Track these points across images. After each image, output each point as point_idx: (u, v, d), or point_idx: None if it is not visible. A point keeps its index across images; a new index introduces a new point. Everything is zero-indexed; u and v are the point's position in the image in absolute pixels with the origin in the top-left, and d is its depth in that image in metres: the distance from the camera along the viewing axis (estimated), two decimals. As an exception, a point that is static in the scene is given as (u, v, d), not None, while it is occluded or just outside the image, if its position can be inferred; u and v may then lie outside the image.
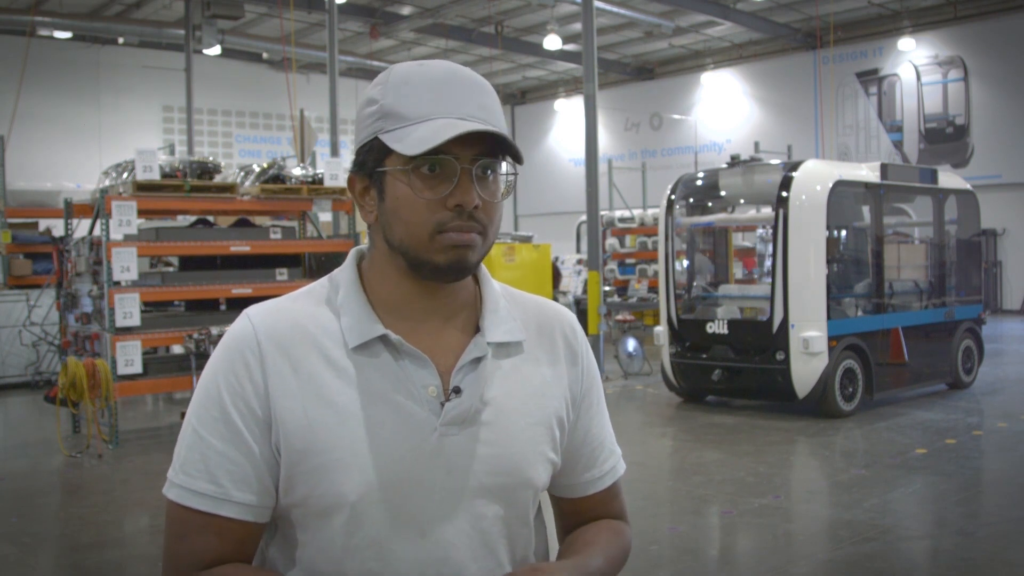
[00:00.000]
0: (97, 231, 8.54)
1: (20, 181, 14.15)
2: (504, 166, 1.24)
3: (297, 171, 9.66)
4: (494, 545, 1.26)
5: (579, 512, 1.43)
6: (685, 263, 10.65)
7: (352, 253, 1.32)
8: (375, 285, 1.27)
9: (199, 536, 1.18)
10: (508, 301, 1.35)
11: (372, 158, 1.23)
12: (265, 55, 24.39)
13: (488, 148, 1.20)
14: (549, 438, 1.31)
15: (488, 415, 1.25)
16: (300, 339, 1.22)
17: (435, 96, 1.19)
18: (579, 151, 16.73)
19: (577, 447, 1.38)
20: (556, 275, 17.70)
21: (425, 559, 1.20)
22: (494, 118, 1.22)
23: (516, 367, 1.30)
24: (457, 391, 1.23)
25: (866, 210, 9.91)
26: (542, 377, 1.33)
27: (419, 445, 1.21)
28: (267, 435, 1.20)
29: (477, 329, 1.29)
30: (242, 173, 9.49)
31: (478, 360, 1.26)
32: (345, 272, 1.29)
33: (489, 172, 1.21)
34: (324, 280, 1.31)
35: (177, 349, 9.58)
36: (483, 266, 1.34)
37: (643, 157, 24.34)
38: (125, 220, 8.03)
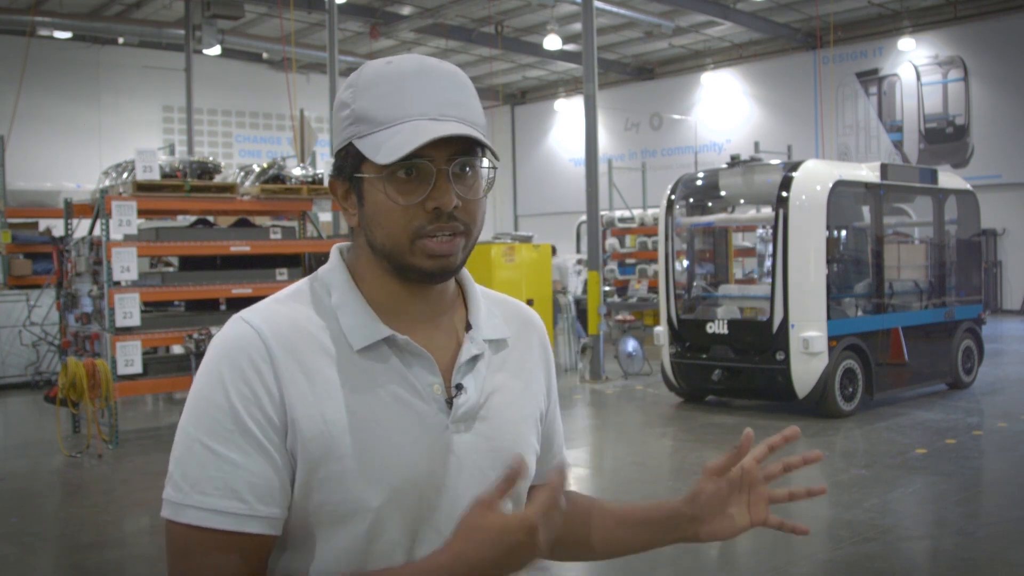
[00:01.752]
0: (97, 231, 8.54)
1: (20, 181, 14.15)
2: (484, 160, 1.22)
3: (297, 171, 9.66)
4: None
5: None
6: (685, 263, 10.66)
7: (335, 253, 1.29)
8: (367, 286, 1.26)
9: (218, 557, 1.12)
10: (487, 300, 1.37)
11: (349, 163, 1.21)
12: (265, 55, 24.38)
13: (464, 145, 1.18)
14: (536, 430, 1.36)
15: (488, 410, 1.27)
16: (305, 341, 1.19)
17: (404, 97, 1.17)
18: (579, 151, 16.72)
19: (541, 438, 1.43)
20: (556, 275, 17.68)
21: None
22: (469, 112, 1.19)
23: (505, 362, 1.33)
24: (460, 388, 1.24)
25: (866, 210, 9.91)
26: (527, 372, 1.36)
27: (433, 445, 1.21)
28: (284, 442, 1.15)
29: (467, 327, 1.30)
30: (242, 173, 9.49)
31: (475, 357, 1.28)
32: (336, 273, 1.26)
33: (467, 169, 1.19)
34: (309, 279, 1.28)
35: (177, 349, 9.58)
36: (463, 268, 1.33)
37: (643, 157, 24.34)
38: (125, 220, 8.03)
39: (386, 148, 1.14)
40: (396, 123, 1.15)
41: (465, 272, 1.34)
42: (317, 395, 1.16)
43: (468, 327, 1.30)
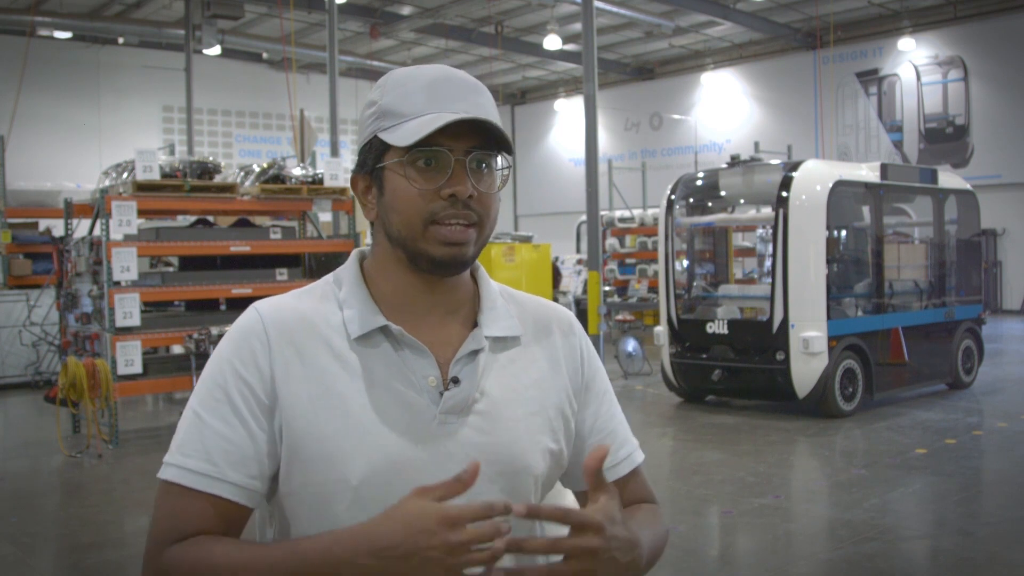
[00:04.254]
0: (97, 231, 8.54)
1: (20, 181, 14.15)
2: (499, 160, 1.28)
3: (297, 171, 9.66)
4: None
5: None
6: (685, 263, 10.66)
7: (354, 253, 1.37)
8: (378, 281, 1.32)
9: (188, 514, 1.19)
10: (506, 299, 1.39)
11: (372, 156, 1.28)
12: (265, 55, 24.39)
13: (482, 142, 1.24)
14: (548, 428, 1.34)
15: (485, 405, 1.28)
16: (306, 330, 1.26)
17: (429, 94, 1.25)
18: (579, 151, 16.72)
19: (584, 438, 1.41)
20: (556, 275, 17.70)
21: None
22: (488, 115, 1.26)
23: (512, 360, 1.34)
24: (456, 381, 1.27)
25: (866, 210, 9.91)
26: (539, 370, 1.36)
27: (419, 433, 1.24)
28: (270, 420, 1.23)
29: (475, 324, 1.33)
30: (242, 173, 9.49)
31: (475, 352, 1.30)
32: (348, 269, 1.34)
33: (484, 166, 1.26)
34: (328, 277, 1.35)
35: (177, 349, 9.58)
36: (481, 266, 1.39)
37: (643, 157, 24.34)
38: (125, 220, 8.03)
39: (407, 132, 1.22)
40: (418, 115, 1.23)
41: (482, 270, 1.39)
42: (308, 378, 1.23)
43: (476, 324, 1.33)
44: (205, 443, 1.20)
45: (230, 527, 1.22)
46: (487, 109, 1.27)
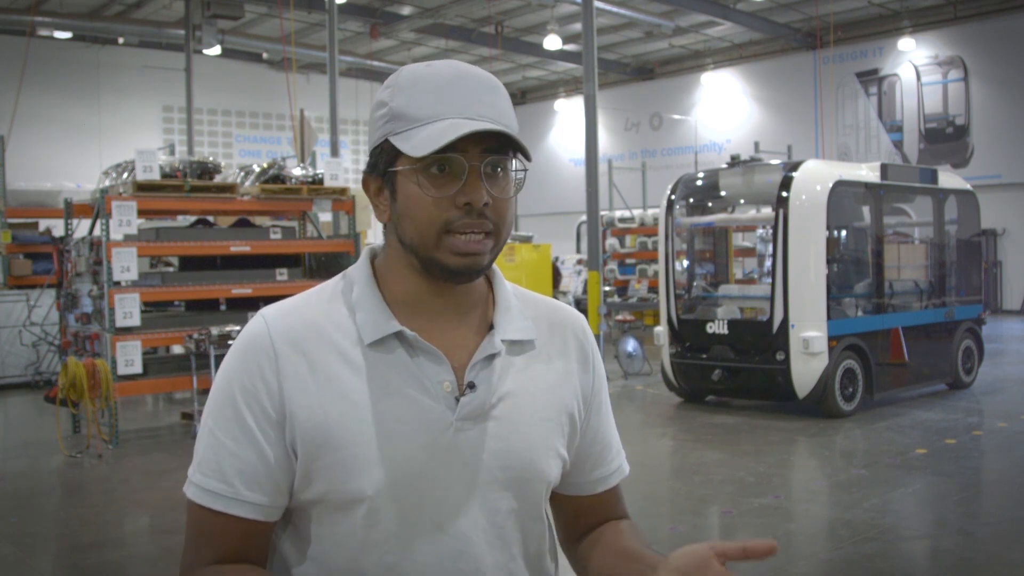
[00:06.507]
0: (97, 231, 8.54)
1: (20, 181, 14.15)
2: (515, 163, 1.25)
3: (297, 171, 9.66)
4: (508, 538, 1.28)
5: (583, 511, 1.44)
6: (685, 263, 10.66)
7: (365, 251, 1.34)
8: (389, 282, 1.29)
9: (211, 533, 1.22)
10: (519, 301, 1.37)
11: (384, 160, 1.24)
12: (265, 55, 24.39)
13: (497, 145, 1.21)
14: (560, 434, 1.33)
15: (501, 410, 1.27)
16: (315, 337, 1.24)
17: (442, 96, 1.20)
18: (579, 151, 16.72)
19: (587, 446, 1.40)
20: (556, 275, 17.70)
21: (442, 552, 1.22)
22: (503, 116, 1.22)
23: (528, 364, 1.32)
24: (472, 386, 1.25)
25: (866, 210, 9.91)
26: (554, 374, 1.35)
27: (435, 439, 1.22)
28: (281, 435, 1.21)
29: (490, 327, 1.31)
30: (242, 173, 9.49)
31: (491, 357, 1.28)
32: (359, 269, 1.31)
33: (499, 170, 1.22)
34: (338, 277, 1.33)
35: (177, 349, 9.58)
36: (496, 266, 1.36)
37: (643, 157, 24.34)
38: (125, 220, 8.03)
39: (421, 141, 1.17)
40: (432, 120, 1.19)
41: (496, 271, 1.36)
42: (320, 387, 1.21)
43: (491, 327, 1.31)
44: (220, 462, 1.21)
45: (253, 542, 1.24)
46: (502, 109, 1.23)
